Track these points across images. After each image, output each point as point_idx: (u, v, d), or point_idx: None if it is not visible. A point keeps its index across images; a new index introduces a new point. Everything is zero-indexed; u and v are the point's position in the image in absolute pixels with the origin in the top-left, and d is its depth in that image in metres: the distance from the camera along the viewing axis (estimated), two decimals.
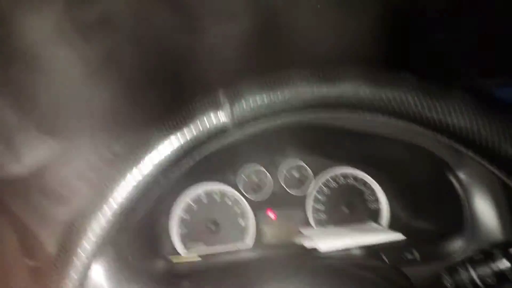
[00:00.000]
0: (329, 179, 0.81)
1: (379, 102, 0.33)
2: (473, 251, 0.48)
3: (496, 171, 0.34)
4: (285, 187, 0.80)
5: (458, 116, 0.32)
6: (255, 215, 0.78)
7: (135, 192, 0.30)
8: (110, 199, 0.29)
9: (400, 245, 0.61)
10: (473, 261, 0.44)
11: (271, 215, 0.78)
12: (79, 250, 0.28)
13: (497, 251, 0.44)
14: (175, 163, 0.31)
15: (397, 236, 0.64)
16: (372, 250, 0.59)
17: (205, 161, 0.69)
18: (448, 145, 0.36)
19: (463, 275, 0.44)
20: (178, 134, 0.31)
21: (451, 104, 0.32)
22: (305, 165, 0.81)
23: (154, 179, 0.31)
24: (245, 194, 0.79)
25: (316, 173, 0.81)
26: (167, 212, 0.76)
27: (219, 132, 0.32)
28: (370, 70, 0.33)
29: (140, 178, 0.30)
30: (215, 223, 0.76)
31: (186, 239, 0.75)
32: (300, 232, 0.74)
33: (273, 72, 0.34)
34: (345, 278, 0.33)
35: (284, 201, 0.80)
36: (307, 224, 0.79)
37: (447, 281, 0.45)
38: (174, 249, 0.75)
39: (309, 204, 0.80)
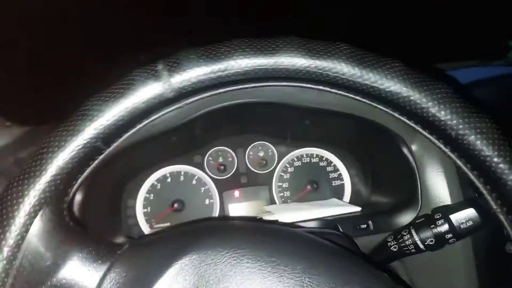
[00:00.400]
0: (294, 158, 0.83)
1: (314, 71, 0.34)
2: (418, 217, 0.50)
3: (430, 137, 0.36)
4: (250, 166, 0.82)
5: (389, 82, 0.34)
6: (220, 194, 0.79)
7: (74, 157, 0.30)
8: (48, 166, 0.30)
9: (356, 217, 0.63)
10: (415, 225, 0.47)
11: (236, 193, 0.80)
12: (16, 212, 0.29)
13: (438, 215, 0.46)
14: (115, 132, 0.32)
15: (354, 209, 0.66)
16: (329, 222, 0.61)
17: (172, 144, 0.70)
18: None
19: (406, 238, 0.46)
20: (116, 103, 0.31)
21: (383, 71, 0.34)
22: (270, 145, 0.83)
23: (94, 146, 0.31)
24: (210, 174, 0.80)
25: (280, 152, 0.83)
26: (134, 194, 0.77)
27: (158, 101, 0.32)
28: (305, 40, 0.35)
29: (79, 144, 0.30)
30: (181, 203, 0.77)
31: (152, 219, 0.76)
32: (264, 209, 0.75)
33: (214, 42, 0.35)
34: (289, 239, 0.34)
35: (250, 180, 0.82)
36: (272, 202, 0.81)
37: (392, 244, 0.47)
38: (141, 229, 0.76)
39: (274, 183, 0.82)
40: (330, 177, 0.83)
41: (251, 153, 0.82)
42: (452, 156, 0.34)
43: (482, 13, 0.78)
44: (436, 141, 0.35)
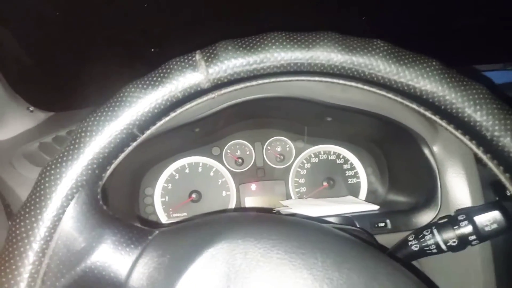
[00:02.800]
0: (311, 154, 0.83)
1: (350, 67, 0.34)
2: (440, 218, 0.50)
3: (462, 138, 0.36)
4: (267, 161, 0.82)
5: (425, 81, 0.33)
6: (237, 187, 0.80)
7: (112, 142, 0.31)
8: (86, 149, 0.30)
9: (374, 215, 0.63)
10: (438, 226, 0.47)
11: (252, 187, 0.80)
12: (53, 193, 0.30)
13: (461, 217, 0.46)
14: (150, 119, 0.32)
15: (372, 207, 0.66)
16: (346, 219, 0.61)
17: (193, 135, 0.70)
18: (421, 115, 0.38)
19: (428, 238, 0.46)
20: (154, 91, 0.32)
21: (419, 70, 0.33)
22: (288, 140, 0.83)
23: (130, 133, 0.32)
24: (228, 166, 0.80)
25: (298, 148, 0.83)
26: (153, 183, 0.77)
27: (194, 91, 0.33)
28: (342, 36, 0.35)
29: (117, 130, 0.31)
30: (198, 193, 0.77)
31: (169, 209, 0.77)
32: (280, 203, 0.76)
33: (250, 34, 0.35)
34: (320, 233, 0.34)
35: (266, 174, 0.82)
36: (288, 197, 0.81)
37: (413, 243, 0.47)
38: (158, 218, 0.76)
39: (290, 178, 0.82)
40: (347, 175, 0.83)
41: (268, 147, 0.82)
42: (484, 157, 0.34)
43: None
44: (468, 142, 0.35)
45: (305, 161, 0.83)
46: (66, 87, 0.81)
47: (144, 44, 0.91)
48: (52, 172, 0.30)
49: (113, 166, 0.34)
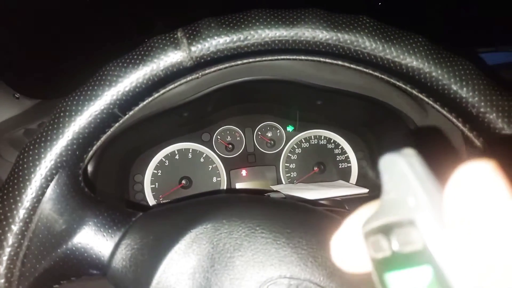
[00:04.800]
0: (302, 139, 0.83)
1: (335, 43, 0.33)
2: None
3: (448, 115, 0.36)
4: (258, 146, 0.82)
5: (411, 57, 0.33)
6: (228, 172, 0.79)
7: (91, 122, 0.30)
8: (65, 129, 0.30)
9: (364, 199, 0.63)
10: None
11: (243, 172, 0.80)
12: (32, 174, 0.29)
13: None
14: (132, 99, 0.32)
15: (362, 191, 0.66)
16: (336, 202, 0.61)
17: (182, 120, 0.70)
18: (408, 94, 0.37)
19: None
20: (135, 69, 0.31)
21: (405, 46, 0.33)
22: (278, 125, 0.82)
23: (111, 113, 0.31)
24: (218, 152, 0.80)
25: (289, 133, 0.83)
26: (142, 170, 0.77)
27: (177, 70, 0.32)
28: (327, 13, 0.34)
29: (96, 109, 0.30)
30: (188, 180, 0.77)
31: (159, 195, 0.76)
32: (271, 188, 0.76)
33: (234, 12, 0.34)
34: (305, 212, 0.34)
35: (257, 160, 0.82)
36: (279, 182, 0.81)
37: None
38: (148, 205, 0.76)
39: (281, 163, 0.81)
40: (337, 159, 0.83)
41: (259, 133, 0.82)
42: (471, 134, 0.34)
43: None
44: (454, 120, 0.35)
45: (295, 146, 0.83)
46: (52, 74, 0.79)
47: (133, 30, 0.89)
48: (31, 153, 0.30)
49: (94, 147, 0.33)
